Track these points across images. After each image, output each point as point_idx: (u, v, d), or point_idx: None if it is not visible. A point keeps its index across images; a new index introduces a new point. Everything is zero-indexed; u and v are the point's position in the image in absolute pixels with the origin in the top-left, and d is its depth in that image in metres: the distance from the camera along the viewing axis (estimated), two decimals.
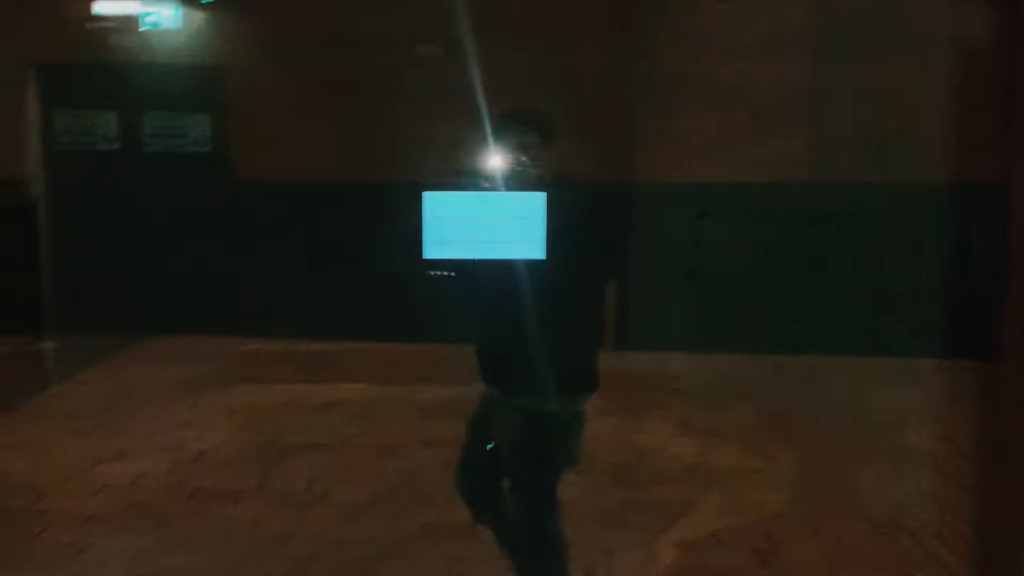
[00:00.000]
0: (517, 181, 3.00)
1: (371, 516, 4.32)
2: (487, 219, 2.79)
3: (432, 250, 2.77)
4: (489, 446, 3.15)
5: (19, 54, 7.75)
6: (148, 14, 7.74)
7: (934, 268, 7.14)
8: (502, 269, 2.82)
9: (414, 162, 6.58)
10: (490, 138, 3.07)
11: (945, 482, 4.72)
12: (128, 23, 7.77)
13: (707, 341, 7.44)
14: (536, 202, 2.75)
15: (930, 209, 7.11)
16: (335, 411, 6.04)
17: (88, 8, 7.67)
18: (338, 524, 4.23)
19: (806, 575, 3.75)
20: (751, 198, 7.37)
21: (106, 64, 7.84)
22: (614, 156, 7.58)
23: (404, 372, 6.59)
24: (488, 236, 2.78)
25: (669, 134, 7.50)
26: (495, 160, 3.07)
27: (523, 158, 3.02)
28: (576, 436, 3.09)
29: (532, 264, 2.75)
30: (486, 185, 3.01)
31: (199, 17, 7.87)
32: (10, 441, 5.36)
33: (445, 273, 2.90)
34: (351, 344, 7.05)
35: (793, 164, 7.33)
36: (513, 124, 3.04)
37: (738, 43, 7.38)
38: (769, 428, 5.73)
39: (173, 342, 7.52)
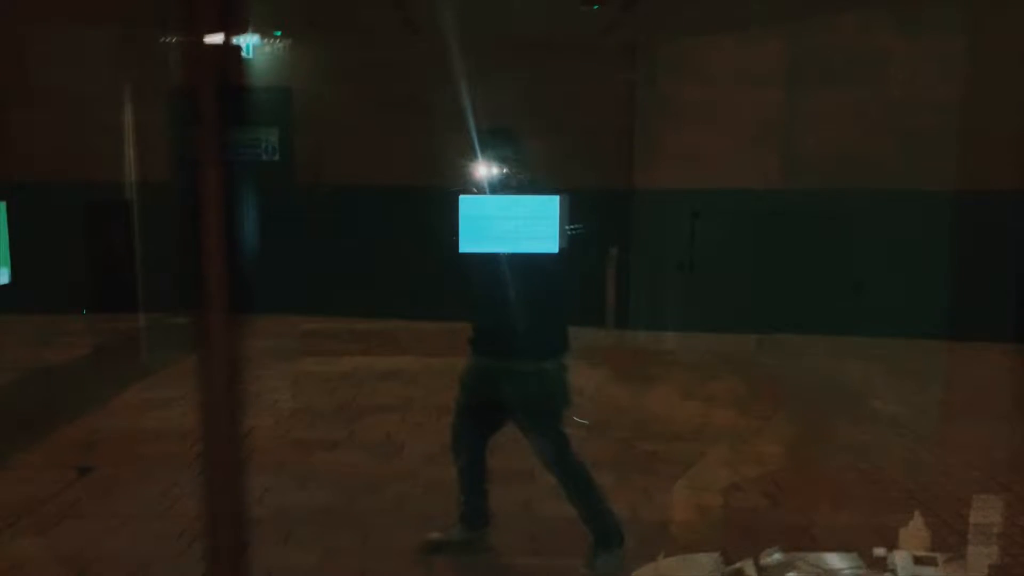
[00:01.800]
0: (501, 185, 3.15)
1: (443, 463, 4.46)
2: (511, 218, 2.94)
3: (467, 245, 2.89)
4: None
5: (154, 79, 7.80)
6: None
7: (894, 260, 7.33)
8: (497, 258, 3.00)
9: (436, 169, 6.75)
10: (479, 151, 3.22)
11: (910, 437, 4.97)
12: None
13: (697, 321, 7.59)
14: (552, 204, 2.92)
15: (890, 211, 7.28)
16: (393, 378, 6.16)
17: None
18: (419, 469, 4.33)
19: (811, 513, 3.92)
20: (738, 201, 7.50)
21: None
22: (619, 167, 7.75)
23: (443, 346, 6.74)
24: (512, 233, 2.94)
25: (666, 149, 7.65)
26: (483, 169, 3.21)
27: (506, 166, 3.18)
28: (566, 383, 3.27)
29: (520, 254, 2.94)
30: (474, 190, 3.14)
31: (271, 45, 7.99)
32: (167, 395, 5.48)
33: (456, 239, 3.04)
34: (396, 322, 7.23)
35: (772, 173, 7.51)
36: (495, 140, 3.22)
37: (725, 71, 7.54)
38: (759, 394, 5.87)
39: (254, 320, 7.60)
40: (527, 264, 2.99)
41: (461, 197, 2.97)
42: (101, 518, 3.70)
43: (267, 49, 8.01)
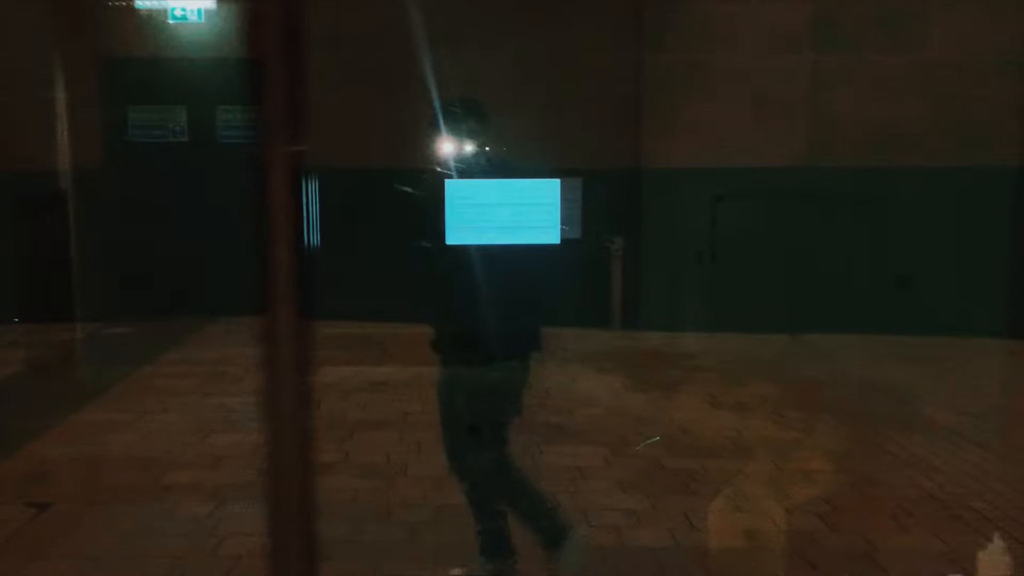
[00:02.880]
0: (468, 165, 3.19)
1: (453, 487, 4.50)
2: (506, 206, 2.96)
3: (455, 235, 2.90)
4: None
5: (84, 48, 7.77)
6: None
7: (944, 248, 7.42)
8: (463, 251, 3.03)
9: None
10: (442, 126, 3.24)
11: (970, 448, 5.06)
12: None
13: (719, 320, 7.67)
14: (551, 189, 2.94)
15: (938, 193, 7.35)
16: (382, 390, 6.20)
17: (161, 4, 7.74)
18: (430, 494, 4.36)
19: (873, 536, 3.99)
20: (765, 182, 7.58)
21: (173, 59, 7.93)
22: (625, 145, 7.80)
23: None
24: (507, 222, 2.96)
25: (680, 123, 7.70)
26: (449, 146, 3.23)
27: (471, 143, 3.22)
28: (526, 383, 3.36)
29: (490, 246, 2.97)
30: (440, 171, 3.18)
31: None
32: (120, 418, 5.46)
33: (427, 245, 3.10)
34: (381, 326, 7.27)
35: (803, 150, 7.57)
36: (458, 112, 3.23)
37: (746, 35, 7.58)
38: (796, 402, 5.95)
39: (238, 325, 7.66)
40: (504, 256, 3.02)
41: (448, 182, 2.99)
42: (70, 559, 3.69)
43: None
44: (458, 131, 3.23)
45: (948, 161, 7.26)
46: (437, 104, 3.36)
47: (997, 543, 3.16)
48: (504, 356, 3.25)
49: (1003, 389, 6.47)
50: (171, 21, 8.11)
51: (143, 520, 4.01)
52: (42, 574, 3.59)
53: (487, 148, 3.29)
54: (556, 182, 2.97)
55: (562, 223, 3.01)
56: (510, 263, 3.09)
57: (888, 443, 5.15)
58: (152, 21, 8.05)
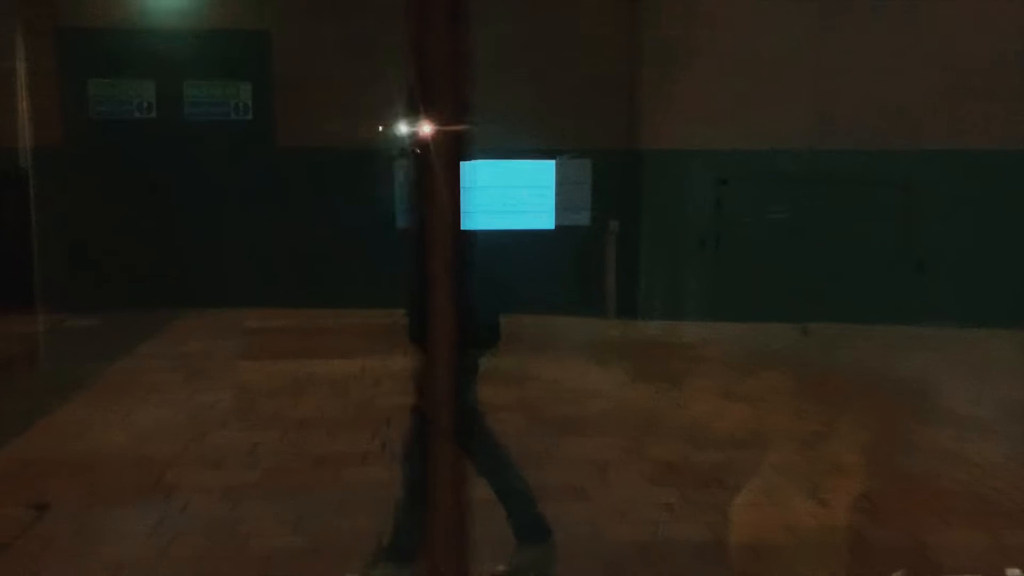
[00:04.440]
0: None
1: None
2: (503, 188, 3.00)
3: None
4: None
5: (42, 16, 7.70)
6: None
7: (965, 234, 7.55)
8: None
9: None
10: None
11: (999, 440, 5.20)
12: None
13: (724, 309, 7.75)
14: (547, 172, 2.98)
15: (955, 176, 7.50)
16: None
17: None
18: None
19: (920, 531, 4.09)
20: (772, 164, 7.70)
21: (139, 30, 7.87)
22: (628, 124, 7.85)
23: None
24: (505, 206, 3.00)
25: (682, 101, 7.75)
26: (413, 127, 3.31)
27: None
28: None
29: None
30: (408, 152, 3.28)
31: None
32: (105, 417, 5.42)
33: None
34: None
35: (814, 130, 7.65)
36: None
37: (751, 6, 7.64)
38: (813, 394, 6.07)
39: (213, 316, 7.71)
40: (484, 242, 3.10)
41: None
42: (90, 559, 3.66)
43: None
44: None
45: (966, 143, 7.39)
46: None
47: None
48: (480, 345, 3.35)
49: None
50: None
51: (154, 521, 3.99)
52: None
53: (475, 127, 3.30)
54: (551, 164, 2.99)
55: (568, 207, 3.05)
56: (489, 249, 3.16)
57: (916, 436, 5.28)
58: None
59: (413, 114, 3.10)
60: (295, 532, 3.93)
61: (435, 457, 1.59)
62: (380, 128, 7.73)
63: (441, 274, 1.54)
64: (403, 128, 3.28)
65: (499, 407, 4.20)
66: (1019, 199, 7.42)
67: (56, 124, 7.90)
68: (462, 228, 1.57)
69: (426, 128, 1.48)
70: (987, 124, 7.38)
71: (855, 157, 7.54)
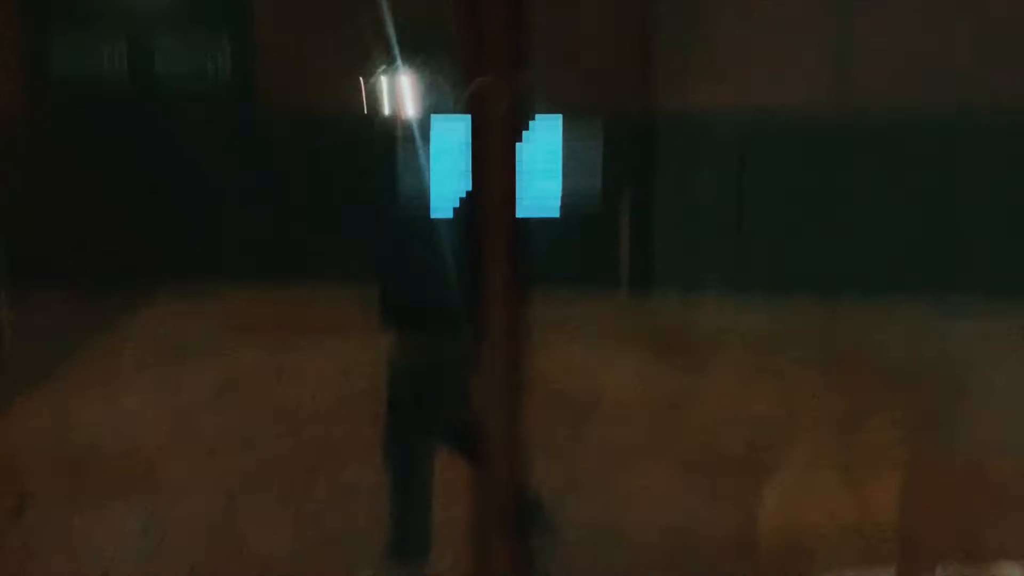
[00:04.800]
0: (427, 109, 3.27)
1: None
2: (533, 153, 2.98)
3: (443, 186, 3.00)
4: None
5: None
6: None
7: (1011, 205, 7.54)
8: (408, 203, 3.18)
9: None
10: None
11: None
12: None
13: (745, 285, 7.73)
14: (552, 128, 2.94)
15: (1006, 139, 7.45)
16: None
17: None
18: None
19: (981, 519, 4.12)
20: (802, 126, 7.65)
21: None
22: (640, 83, 7.80)
23: None
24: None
25: (704, 58, 7.70)
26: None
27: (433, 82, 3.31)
28: None
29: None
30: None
31: None
32: (82, 405, 5.42)
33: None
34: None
35: (850, 89, 7.58)
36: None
37: None
38: (853, 375, 6.07)
39: (193, 292, 7.67)
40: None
41: (435, 118, 3.03)
42: (76, 561, 3.67)
43: None
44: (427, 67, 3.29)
45: (1010, 102, 7.37)
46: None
47: None
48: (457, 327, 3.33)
49: None
50: None
51: (146, 517, 4.02)
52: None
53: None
54: (557, 118, 2.96)
55: (575, 173, 3.04)
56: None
57: (963, 417, 5.29)
58: None
59: (452, 63, 3.16)
60: (297, 529, 3.94)
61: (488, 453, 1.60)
62: (380, 85, 7.66)
63: (497, 253, 1.54)
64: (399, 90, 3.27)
65: None
66: None
67: (15, 84, 7.82)
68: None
69: (474, 81, 1.46)
70: None
71: (892, 118, 7.51)
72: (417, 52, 3.39)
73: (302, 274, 7.82)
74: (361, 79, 3.80)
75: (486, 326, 1.61)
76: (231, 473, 4.56)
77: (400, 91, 3.34)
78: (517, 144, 1.55)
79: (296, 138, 7.97)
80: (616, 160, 7.36)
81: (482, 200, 1.56)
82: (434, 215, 3.14)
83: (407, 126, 3.29)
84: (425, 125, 3.17)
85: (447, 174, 3.05)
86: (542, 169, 2.98)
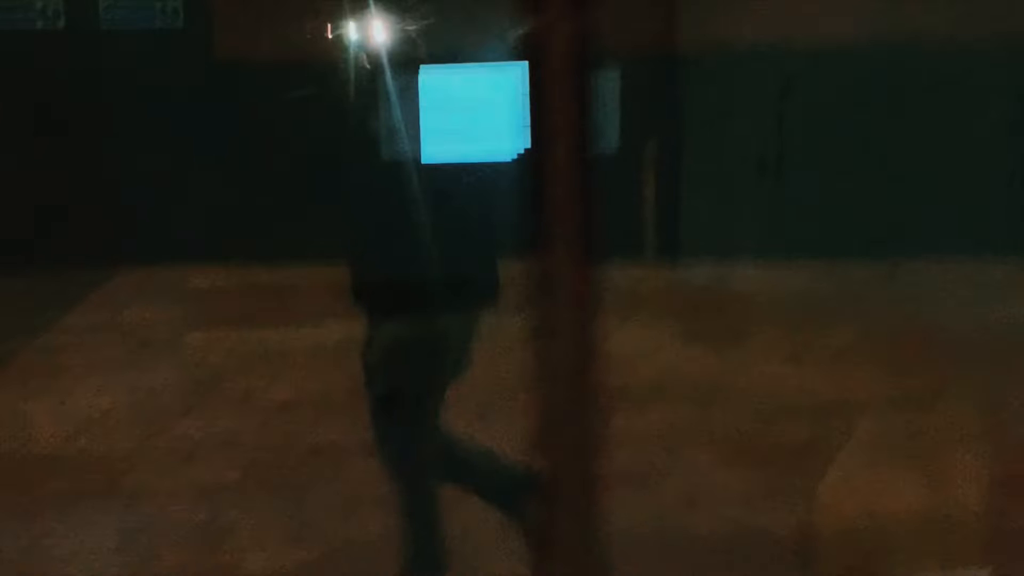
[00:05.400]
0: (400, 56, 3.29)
1: None
2: (500, 103, 2.99)
3: (433, 147, 3.02)
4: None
5: None
6: None
7: None
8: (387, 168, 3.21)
9: None
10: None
11: None
12: None
13: (788, 246, 7.75)
14: (509, 79, 2.95)
15: None
16: None
17: None
18: None
19: None
20: (848, 64, 7.67)
21: None
22: (663, 18, 7.79)
23: None
24: (505, 125, 2.98)
25: None
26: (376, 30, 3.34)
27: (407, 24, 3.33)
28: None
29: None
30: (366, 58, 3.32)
31: None
32: (35, 406, 5.44)
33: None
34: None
35: (902, 22, 7.56)
36: None
37: None
38: (912, 349, 6.11)
39: (148, 275, 7.71)
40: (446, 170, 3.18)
41: (423, 69, 3.06)
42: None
43: None
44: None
45: None
46: None
47: None
48: (452, 306, 3.40)
49: None
50: None
51: (119, 535, 4.05)
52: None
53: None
54: (519, 66, 2.99)
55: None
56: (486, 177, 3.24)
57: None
58: None
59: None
60: (296, 542, 3.97)
61: (562, 439, 1.63)
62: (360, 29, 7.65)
63: (564, 224, 1.56)
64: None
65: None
66: None
67: None
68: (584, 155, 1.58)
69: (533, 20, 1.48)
70: None
71: (952, 55, 7.51)
72: None
73: (270, 251, 7.82)
74: (329, 25, 3.82)
75: (549, 295, 1.63)
76: (211, 477, 4.59)
77: (375, 38, 3.33)
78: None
79: (257, 94, 7.95)
80: (636, 107, 7.36)
81: (546, 156, 1.58)
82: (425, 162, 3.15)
83: (385, 77, 3.28)
84: (405, 75, 3.16)
85: (440, 129, 3.05)
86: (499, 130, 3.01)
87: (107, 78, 7.98)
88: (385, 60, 3.27)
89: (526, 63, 3.03)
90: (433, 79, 3.06)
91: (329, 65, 3.69)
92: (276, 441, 5.01)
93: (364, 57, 3.34)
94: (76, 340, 6.60)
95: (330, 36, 7.65)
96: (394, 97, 3.17)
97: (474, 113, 3.04)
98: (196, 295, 7.62)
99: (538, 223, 1.61)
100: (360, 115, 3.25)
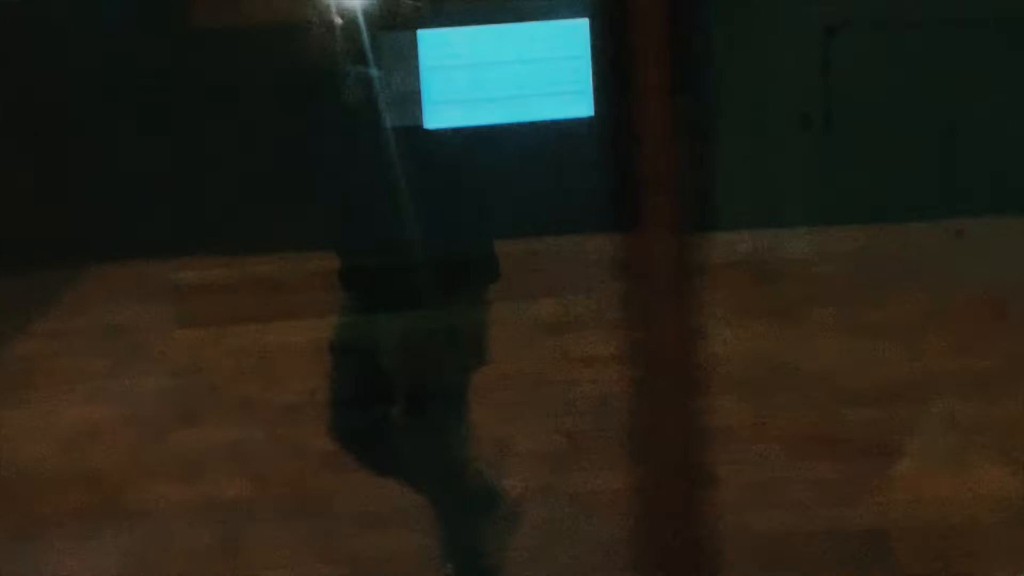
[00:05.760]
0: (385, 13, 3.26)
1: None
2: (510, 64, 2.99)
3: (436, 115, 3.02)
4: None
5: None
6: None
7: None
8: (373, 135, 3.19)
9: None
10: None
11: None
12: None
13: (834, 211, 7.72)
14: (579, 34, 2.95)
15: None
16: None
17: None
18: None
19: None
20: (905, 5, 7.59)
21: None
22: None
23: None
24: (515, 89, 2.99)
25: None
26: None
27: None
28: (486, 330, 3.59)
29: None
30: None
31: None
32: (19, 420, 5.43)
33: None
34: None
35: None
36: None
37: None
38: (974, 318, 6.08)
39: (127, 271, 7.68)
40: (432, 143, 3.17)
41: (420, 33, 3.04)
42: None
43: None
44: None
45: None
46: None
47: None
48: (454, 290, 3.39)
49: None
50: None
51: (122, 556, 4.02)
52: None
53: None
54: (583, 23, 2.99)
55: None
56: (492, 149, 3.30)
57: None
58: None
59: None
60: (321, 560, 3.94)
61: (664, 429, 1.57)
62: None
63: (660, 193, 1.51)
64: None
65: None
66: None
67: None
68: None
69: None
70: None
71: None
72: None
73: (260, 239, 7.76)
74: None
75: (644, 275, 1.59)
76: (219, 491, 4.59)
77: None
78: None
79: (231, 64, 7.88)
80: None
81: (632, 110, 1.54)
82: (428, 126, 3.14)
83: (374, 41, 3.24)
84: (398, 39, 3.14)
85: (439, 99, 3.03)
86: (566, 87, 3.02)
87: (69, 52, 7.91)
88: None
89: (586, 20, 3.02)
90: (480, 37, 3.04)
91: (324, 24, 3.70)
92: (285, 449, 4.98)
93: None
94: (54, 346, 6.56)
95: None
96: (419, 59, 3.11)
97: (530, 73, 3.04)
98: (181, 291, 7.55)
99: (627, 194, 1.57)
100: (357, 80, 3.20)
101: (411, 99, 3.06)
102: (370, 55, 3.27)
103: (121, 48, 7.85)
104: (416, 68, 3.03)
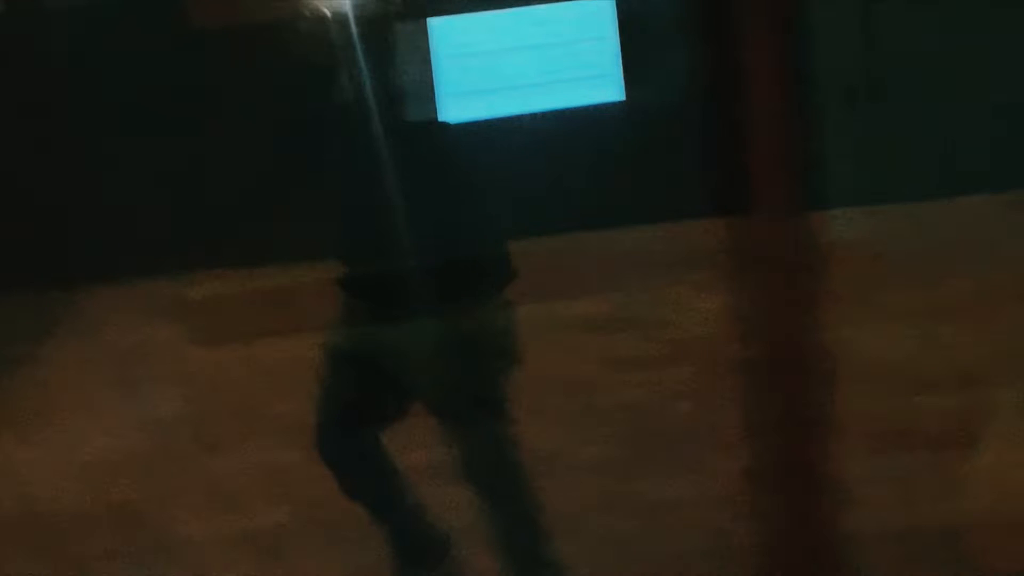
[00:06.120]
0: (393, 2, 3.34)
1: None
2: (530, 50, 3.03)
3: (451, 107, 3.14)
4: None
5: None
6: None
7: None
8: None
9: None
10: None
11: None
12: None
13: (879, 189, 7.77)
14: (603, 14, 2.98)
15: None
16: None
17: None
18: None
19: None
20: None
21: None
22: None
23: None
24: (536, 77, 3.02)
25: None
26: None
27: None
28: (512, 332, 3.65)
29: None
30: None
31: None
32: (36, 452, 5.51)
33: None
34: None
35: None
36: None
37: None
38: None
39: (134, 290, 7.72)
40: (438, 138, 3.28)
41: (431, 21, 3.06)
42: None
43: None
44: None
45: None
46: None
47: None
48: (471, 294, 3.47)
49: None
50: None
51: None
52: None
53: None
54: (608, 3, 3.00)
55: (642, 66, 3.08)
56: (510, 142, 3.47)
57: None
58: None
59: None
60: None
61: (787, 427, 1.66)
62: None
63: (773, 180, 1.60)
64: None
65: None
66: None
67: None
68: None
69: None
70: None
71: None
72: None
73: (269, 249, 7.82)
74: None
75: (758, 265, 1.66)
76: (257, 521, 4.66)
77: None
78: None
79: (231, 64, 7.94)
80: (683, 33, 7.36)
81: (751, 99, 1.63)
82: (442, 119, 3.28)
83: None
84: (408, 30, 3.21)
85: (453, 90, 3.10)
86: (593, 72, 3.05)
87: (64, 58, 7.98)
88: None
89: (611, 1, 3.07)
90: (496, 22, 3.09)
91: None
92: (321, 473, 5.03)
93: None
94: (68, 373, 6.63)
95: None
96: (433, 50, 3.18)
97: (552, 58, 3.07)
98: (192, 308, 7.61)
99: (731, 179, 1.64)
100: (365, 77, 3.26)
101: (424, 92, 3.09)
102: (378, 50, 3.31)
103: (121, 48, 7.93)
104: (428, 59, 3.06)
